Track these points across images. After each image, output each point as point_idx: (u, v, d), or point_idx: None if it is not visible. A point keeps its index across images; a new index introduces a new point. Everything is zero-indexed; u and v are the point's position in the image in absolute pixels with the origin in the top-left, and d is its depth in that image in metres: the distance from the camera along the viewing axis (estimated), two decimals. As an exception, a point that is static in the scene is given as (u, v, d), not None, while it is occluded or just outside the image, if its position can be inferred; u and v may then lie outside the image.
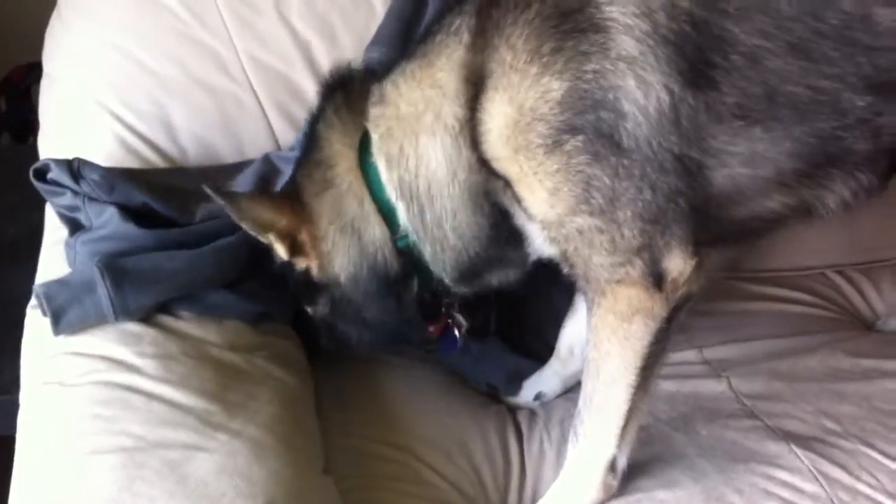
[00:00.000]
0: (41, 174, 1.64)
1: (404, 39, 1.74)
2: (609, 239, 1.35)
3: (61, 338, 1.46)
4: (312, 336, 1.73)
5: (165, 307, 1.54)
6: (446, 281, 1.54)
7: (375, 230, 1.51)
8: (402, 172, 1.44)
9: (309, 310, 1.66)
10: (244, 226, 1.50)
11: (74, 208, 1.63)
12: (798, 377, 1.78)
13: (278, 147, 1.84)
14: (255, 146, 1.73)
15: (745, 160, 1.36)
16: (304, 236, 1.54)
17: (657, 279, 1.37)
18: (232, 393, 1.43)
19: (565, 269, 1.43)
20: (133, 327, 1.48)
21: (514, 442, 1.68)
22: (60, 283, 1.51)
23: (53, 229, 1.71)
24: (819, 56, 1.31)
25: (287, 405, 1.48)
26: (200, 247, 1.59)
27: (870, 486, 1.54)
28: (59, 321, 1.47)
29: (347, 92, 1.54)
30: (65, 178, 1.62)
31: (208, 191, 1.44)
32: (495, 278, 1.56)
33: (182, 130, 1.81)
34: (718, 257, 1.47)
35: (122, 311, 1.48)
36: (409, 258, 1.52)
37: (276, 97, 1.85)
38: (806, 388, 1.74)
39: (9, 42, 2.44)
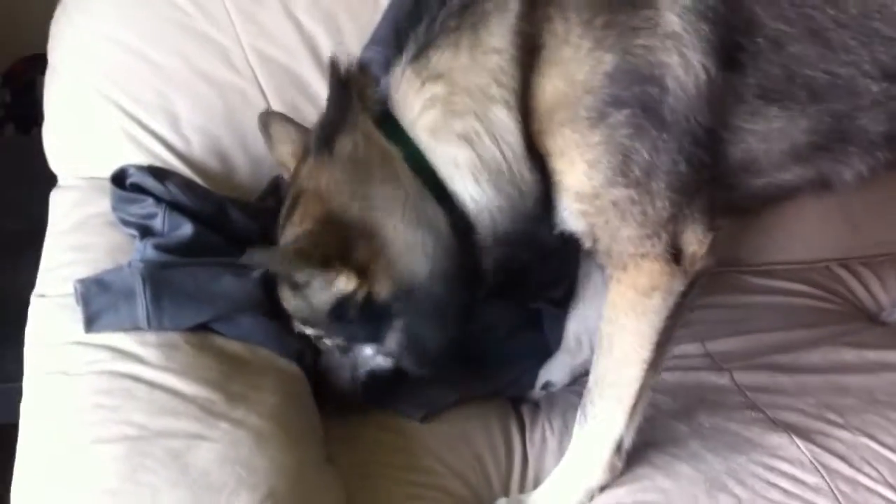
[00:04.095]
0: (118, 181, 1.65)
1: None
2: (641, 210, 1.37)
3: (65, 327, 1.46)
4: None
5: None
6: (488, 243, 1.46)
7: (438, 213, 1.42)
8: (480, 150, 1.38)
9: (370, 352, 1.58)
10: (303, 276, 1.44)
11: (149, 216, 1.61)
12: (800, 370, 1.78)
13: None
14: (259, 139, 1.72)
15: (761, 137, 1.39)
16: (361, 254, 1.43)
17: (677, 253, 1.40)
18: (234, 382, 1.43)
19: (588, 244, 1.44)
20: (136, 317, 1.48)
21: (516, 431, 1.69)
22: (101, 285, 1.48)
23: (56, 221, 1.72)
24: (837, 44, 1.35)
25: (289, 395, 1.49)
26: None
27: (871, 477, 1.55)
28: (93, 324, 1.45)
29: (359, 92, 1.45)
30: (150, 183, 1.62)
31: (245, 261, 1.36)
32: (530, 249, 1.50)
33: (186, 122, 1.82)
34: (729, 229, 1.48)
35: (158, 326, 1.46)
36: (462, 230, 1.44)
37: (280, 90, 1.85)
38: (808, 381, 1.75)
39: (13, 34, 2.45)
